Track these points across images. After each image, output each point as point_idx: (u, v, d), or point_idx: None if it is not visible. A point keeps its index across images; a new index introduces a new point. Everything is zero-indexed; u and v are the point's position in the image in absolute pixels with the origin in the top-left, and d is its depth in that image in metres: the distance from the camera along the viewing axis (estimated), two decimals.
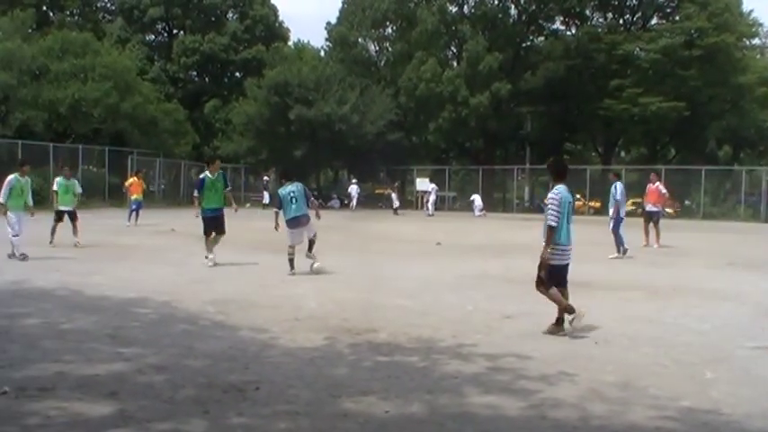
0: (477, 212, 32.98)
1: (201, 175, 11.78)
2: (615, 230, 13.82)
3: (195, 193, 11.97)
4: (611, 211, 14.04)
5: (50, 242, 13.56)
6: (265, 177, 41.63)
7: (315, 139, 38.14)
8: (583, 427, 4.10)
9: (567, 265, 6.63)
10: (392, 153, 40.48)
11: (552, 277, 6.51)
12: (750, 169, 38.84)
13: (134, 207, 20.56)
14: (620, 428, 4.09)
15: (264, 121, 39.20)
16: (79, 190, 14.91)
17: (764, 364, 5.61)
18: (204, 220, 11.45)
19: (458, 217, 32.43)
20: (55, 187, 14.53)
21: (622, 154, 52.17)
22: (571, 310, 6.42)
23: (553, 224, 6.41)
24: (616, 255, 13.60)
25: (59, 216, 14.10)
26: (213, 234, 11.39)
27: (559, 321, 6.52)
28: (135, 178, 21.63)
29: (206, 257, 11.24)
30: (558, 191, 6.55)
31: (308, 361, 5.44)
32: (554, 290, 6.49)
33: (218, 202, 11.56)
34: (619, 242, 13.78)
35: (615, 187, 14.13)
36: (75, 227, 13.92)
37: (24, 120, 31.48)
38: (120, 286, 8.79)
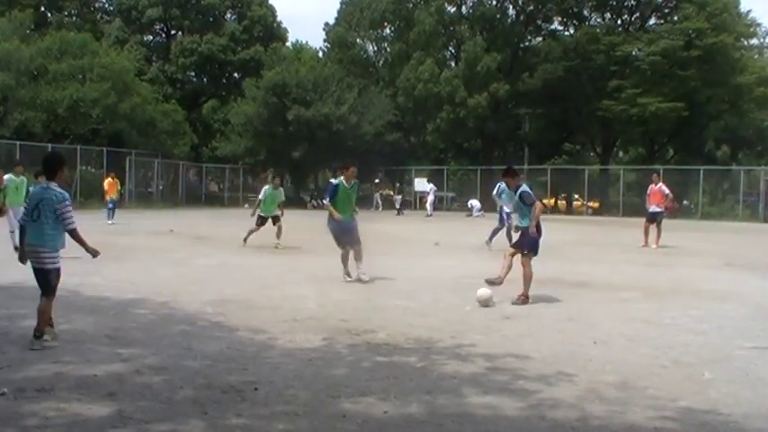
0: (475, 213, 33.03)
1: (335, 181, 10.28)
2: None
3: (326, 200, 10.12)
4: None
5: (246, 244, 14.44)
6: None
7: (313, 140, 38.15)
8: (582, 428, 4.10)
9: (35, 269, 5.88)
10: (390, 153, 40.51)
11: None
12: (748, 169, 38.92)
13: (111, 206, 21.83)
14: (620, 428, 4.09)
15: (263, 121, 39.20)
16: (282, 198, 15.54)
17: (763, 365, 5.61)
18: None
19: (456, 217, 32.45)
20: (261, 196, 15.28)
21: (620, 154, 52.22)
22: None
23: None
24: None
25: (262, 221, 14.86)
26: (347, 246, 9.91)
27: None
28: (110, 179, 22.71)
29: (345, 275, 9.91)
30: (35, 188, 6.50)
31: (306, 361, 5.43)
32: None
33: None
34: None
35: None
36: (279, 229, 14.64)
37: (23, 120, 31.47)
38: (118, 287, 8.78)
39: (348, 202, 10.00)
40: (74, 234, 5.83)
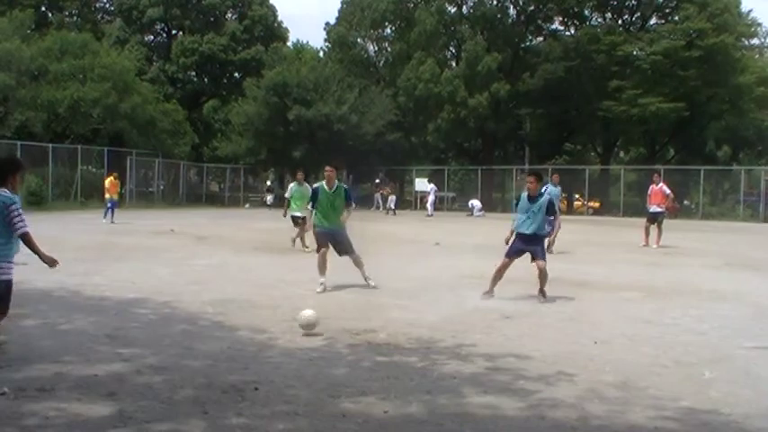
0: (476, 212, 33.04)
1: (316, 185, 9.66)
2: None
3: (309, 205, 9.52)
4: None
5: (295, 245, 13.99)
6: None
7: (313, 140, 38.14)
8: (582, 428, 4.10)
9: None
10: (391, 153, 40.51)
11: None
12: (749, 169, 38.92)
13: (110, 205, 21.71)
14: (620, 428, 4.09)
15: (263, 121, 39.20)
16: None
17: (763, 364, 5.61)
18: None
19: (457, 217, 32.45)
20: (287, 194, 14.80)
21: (621, 154, 52.23)
22: None
23: None
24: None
25: (296, 220, 14.12)
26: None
27: None
28: (112, 178, 22.74)
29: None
30: None
31: (307, 361, 5.43)
32: None
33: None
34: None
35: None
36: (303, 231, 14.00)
37: (23, 120, 31.50)
38: (119, 287, 8.78)
39: (330, 209, 9.08)
40: (26, 239, 5.32)
